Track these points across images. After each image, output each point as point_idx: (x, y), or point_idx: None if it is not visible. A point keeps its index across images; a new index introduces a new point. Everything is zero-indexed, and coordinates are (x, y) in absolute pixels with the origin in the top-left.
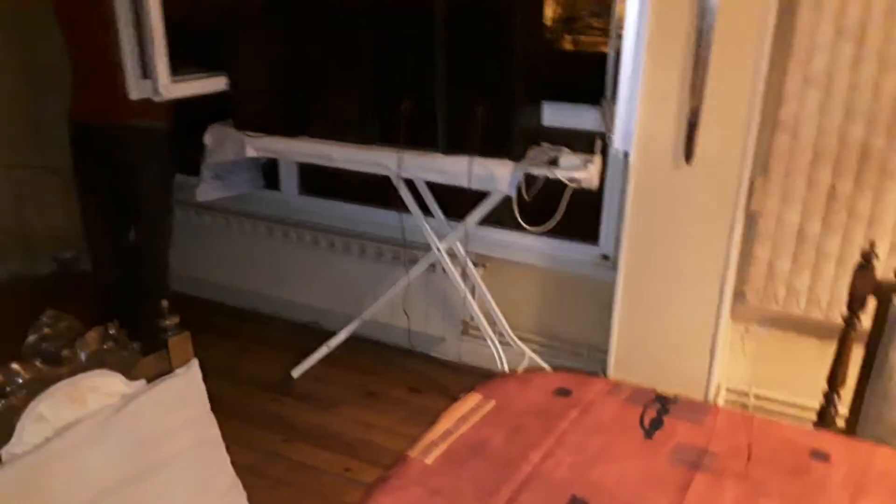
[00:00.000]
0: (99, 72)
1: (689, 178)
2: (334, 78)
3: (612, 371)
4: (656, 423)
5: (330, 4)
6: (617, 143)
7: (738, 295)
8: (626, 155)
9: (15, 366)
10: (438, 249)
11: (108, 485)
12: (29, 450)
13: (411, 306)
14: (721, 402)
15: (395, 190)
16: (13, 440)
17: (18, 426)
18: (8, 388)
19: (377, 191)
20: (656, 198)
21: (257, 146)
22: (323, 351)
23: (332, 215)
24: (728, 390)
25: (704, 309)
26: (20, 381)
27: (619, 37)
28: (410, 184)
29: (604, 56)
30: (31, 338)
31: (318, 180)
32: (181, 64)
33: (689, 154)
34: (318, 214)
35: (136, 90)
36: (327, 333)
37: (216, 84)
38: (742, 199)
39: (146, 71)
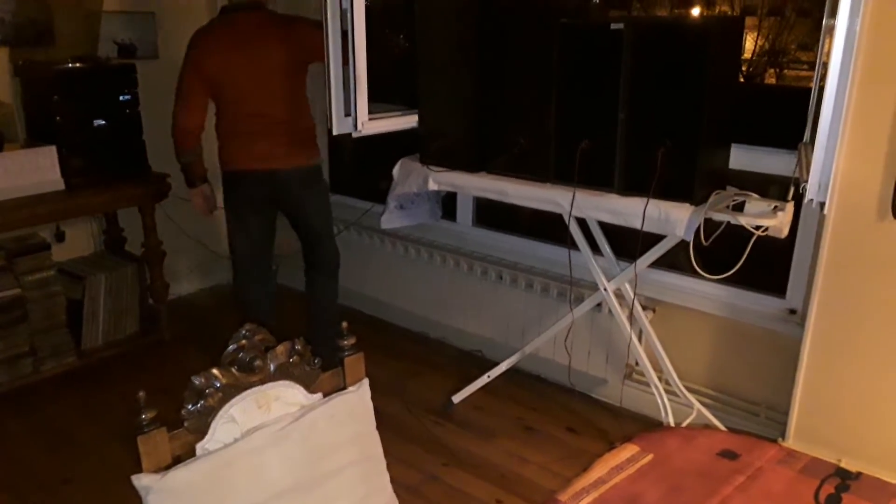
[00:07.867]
0: (256, 128)
1: (895, 233)
2: (517, 117)
3: (792, 437)
4: (833, 501)
5: (516, 46)
6: (811, 192)
7: None
8: (821, 206)
9: (215, 371)
10: (605, 289)
11: (283, 488)
12: (219, 447)
13: (574, 345)
14: None
15: (567, 226)
16: (207, 437)
17: (213, 425)
18: (207, 391)
19: (548, 226)
20: (856, 252)
21: (439, 180)
22: (484, 380)
23: (503, 248)
24: None
25: None
26: (218, 385)
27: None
28: (582, 221)
29: (807, 91)
30: (231, 347)
31: (492, 213)
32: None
33: None
34: (490, 246)
35: (338, 127)
36: (490, 363)
37: (408, 121)
38: None
39: (347, 109)
